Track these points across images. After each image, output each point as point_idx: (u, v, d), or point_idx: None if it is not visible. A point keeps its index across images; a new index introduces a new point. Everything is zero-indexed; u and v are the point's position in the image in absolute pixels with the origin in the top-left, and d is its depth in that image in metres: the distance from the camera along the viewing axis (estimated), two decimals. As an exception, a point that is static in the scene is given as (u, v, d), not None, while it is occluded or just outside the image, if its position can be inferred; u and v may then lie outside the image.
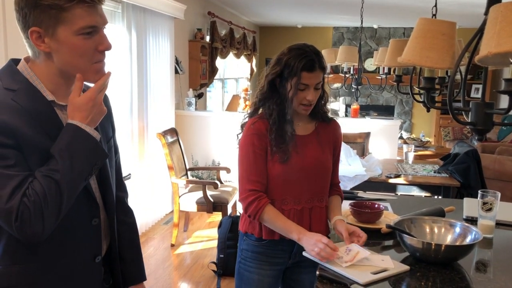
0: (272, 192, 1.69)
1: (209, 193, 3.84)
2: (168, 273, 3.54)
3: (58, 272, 1.16)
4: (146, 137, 4.31)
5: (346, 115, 8.64)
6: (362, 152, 4.38)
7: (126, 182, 1.50)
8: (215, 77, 6.47)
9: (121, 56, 3.82)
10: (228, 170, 4.37)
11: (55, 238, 1.12)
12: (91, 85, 1.15)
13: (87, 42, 1.09)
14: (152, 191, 4.43)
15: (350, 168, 3.44)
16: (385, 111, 9.40)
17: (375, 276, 1.38)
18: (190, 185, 4.13)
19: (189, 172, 4.33)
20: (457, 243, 1.59)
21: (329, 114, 1.81)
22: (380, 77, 4.74)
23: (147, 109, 4.31)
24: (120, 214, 1.37)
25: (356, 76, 4.98)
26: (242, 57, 8.09)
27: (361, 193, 2.47)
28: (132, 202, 1.49)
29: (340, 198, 1.84)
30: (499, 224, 1.87)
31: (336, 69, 7.78)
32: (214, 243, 3.84)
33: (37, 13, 1.05)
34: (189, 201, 3.92)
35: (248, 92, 7.07)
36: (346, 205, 1.92)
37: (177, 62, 5.06)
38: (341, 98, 9.65)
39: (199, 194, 3.88)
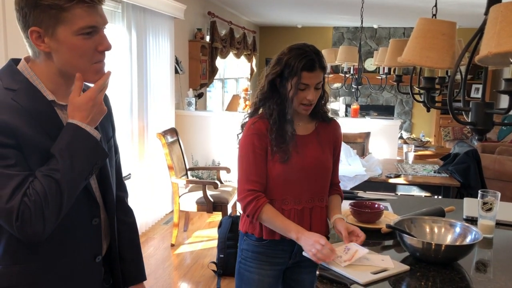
0: (272, 192, 1.69)
1: (209, 193, 3.84)
2: (168, 273, 3.54)
3: (59, 272, 1.16)
4: (146, 137, 4.31)
5: (346, 115, 8.64)
6: (362, 152, 4.37)
7: (126, 182, 1.50)
8: (215, 77, 6.47)
9: (121, 56, 3.82)
10: (228, 170, 4.37)
11: (55, 238, 1.12)
12: (91, 84, 1.15)
13: (87, 42, 1.09)
14: (152, 191, 4.43)
15: (350, 168, 3.44)
16: (385, 111, 9.40)
17: (375, 276, 1.38)
18: (190, 185, 4.13)
19: (189, 172, 4.33)
20: (457, 243, 1.59)
21: (329, 114, 1.82)
22: (380, 77, 4.74)
23: (147, 109, 4.31)
24: (120, 214, 1.37)
25: (356, 76, 4.98)
26: (242, 57, 8.09)
27: (361, 193, 2.47)
28: (132, 202, 1.49)
29: (340, 198, 1.84)
30: (499, 224, 1.87)
31: (336, 69, 7.79)
32: (214, 243, 3.84)
33: (37, 13, 1.05)
34: (189, 201, 3.92)
35: (248, 92, 7.07)
36: (346, 205, 1.91)
37: (177, 62, 5.06)
38: (341, 98, 9.65)
39: (199, 194, 3.88)
